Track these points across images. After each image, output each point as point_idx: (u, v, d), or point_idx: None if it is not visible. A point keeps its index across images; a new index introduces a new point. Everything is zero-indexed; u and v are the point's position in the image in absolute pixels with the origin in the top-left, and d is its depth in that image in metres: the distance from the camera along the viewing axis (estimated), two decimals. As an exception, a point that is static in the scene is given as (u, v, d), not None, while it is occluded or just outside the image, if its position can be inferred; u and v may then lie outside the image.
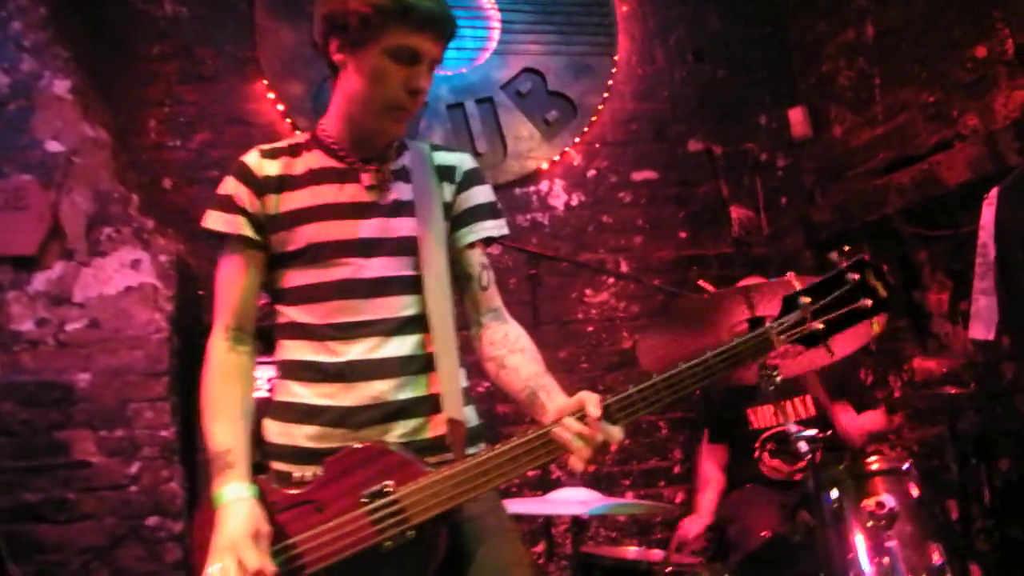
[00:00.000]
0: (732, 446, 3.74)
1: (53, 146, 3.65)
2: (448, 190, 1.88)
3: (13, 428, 3.48)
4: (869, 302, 1.59)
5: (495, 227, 1.92)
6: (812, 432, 2.42)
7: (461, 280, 1.88)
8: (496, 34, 4.61)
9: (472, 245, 1.89)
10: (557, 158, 4.60)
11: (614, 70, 4.73)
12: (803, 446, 2.32)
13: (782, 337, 1.60)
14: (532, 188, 4.59)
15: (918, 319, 4.15)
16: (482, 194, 1.92)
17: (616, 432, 1.56)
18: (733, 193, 4.76)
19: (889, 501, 2.61)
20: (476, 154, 4.46)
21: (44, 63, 3.70)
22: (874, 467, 2.79)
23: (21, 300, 3.55)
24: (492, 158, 4.50)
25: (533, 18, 4.65)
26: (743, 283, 3.88)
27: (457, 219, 1.89)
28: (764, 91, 4.96)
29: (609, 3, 4.76)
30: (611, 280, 4.56)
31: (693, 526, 3.54)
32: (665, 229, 4.70)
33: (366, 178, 1.82)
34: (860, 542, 2.64)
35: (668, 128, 4.80)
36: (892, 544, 2.57)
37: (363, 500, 1.63)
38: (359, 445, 1.68)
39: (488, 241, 1.93)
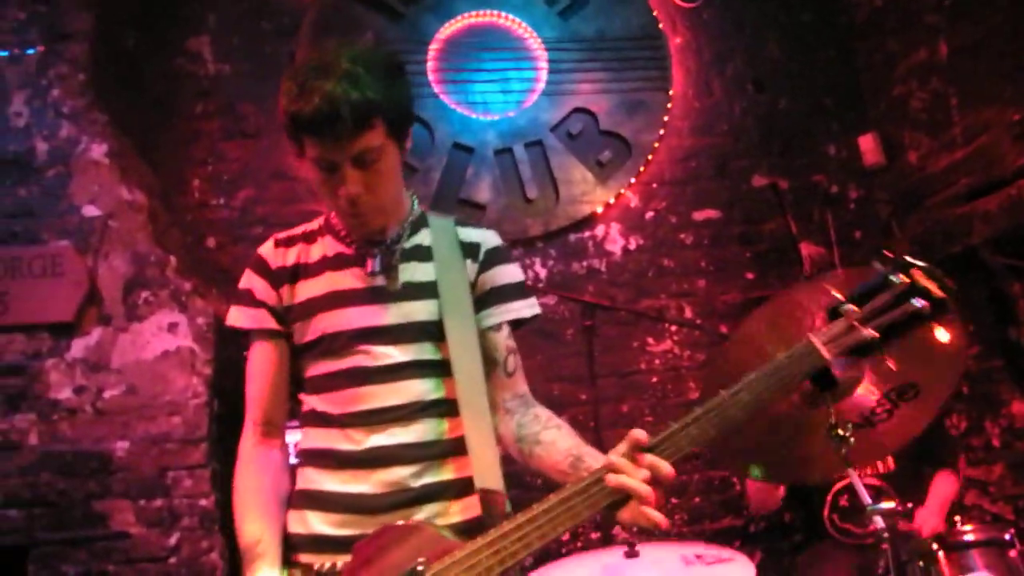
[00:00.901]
0: (799, 498, 3.42)
1: (90, 211, 3.61)
2: (472, 269, 1.81)
3: (51, 499, 3.40)
4: (926, 304, 1.44)
5: (521, 308, 1.84)
6: (890, 505, 2.12)
7: (485, 364, 1.78)
8: (544, 75, 4.44)
9: (497, 328, 1.82)
10: (612, 200, 4.38)
11: (669, 105, 4.50)
12: (879, 522, 2.03)
13: (830, 347, 1.48)
14: (587, 233, 4.37)
15: (1015, 358, 3.79)
16: (507, 274, 1.84)
17: (665, 465, 1.44)
18: (802, 229, 4.46)
19: (988, 578, 2.28)
20: (527, 200, 4.28)
21: (82, 128, 3.69)
22: (969, 537, 2.46)
23: (59, 367, 3.49)
24: (544, 204, 4.30)
25: (581, 56, 4.47)
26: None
27: (480, 300, 1.81)
28: (831, 119, 4.67)
29: (661, 36, 4.55)
30: (674, 328, 4.29)
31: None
32: (730, 271, 4.42)
33: (371, 263, 1.76)
34: (957, 623, 2.31)
35: (730, 163, 4.55)
36: (994, 625, 2.23)
37: None
38: (388, 526, 1.61)
39: (515, 324, 1.85)
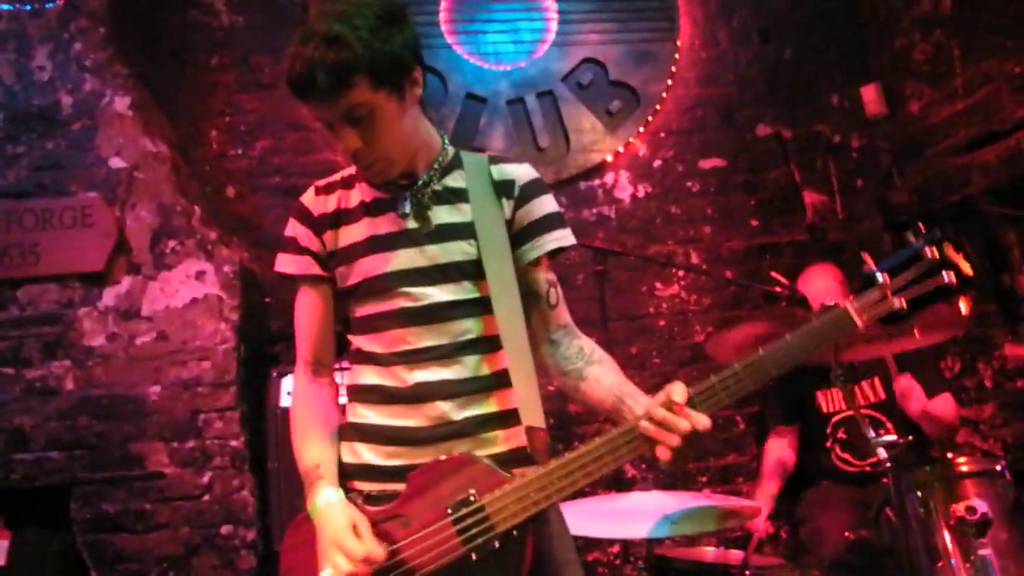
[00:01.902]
0: (802, 431, 3.60)
1: (116, 162, 3.70)
2: (508, 206, 1.84)
3: (89, 441, 3.54)
4: (953, 278, 1.53)
5: (559, 238, 1.86)
6: (891, 438, 2.28)
7: (527, 298, 1.84)
8: (554, 25, 4.51)
9: (537, 262, 1.85)
10: (621, 149, 4.49)
11: (677, 55, 4.59)
12: (882, 453, 2.19)
13: (864, 316, 1.57)
14: (597, 181, 4.48)
15: (1008, 303, 3.94)
16: (544, 205, 1.87)
17: (702, 418, 1.55)
18: (805, 177, 4.58)
19: (981, 506, 2.45)
20: (538, 149, 4.39)
21: (105, 81, 3.75)
22: (964, 468, 2.64)
23: (92, 316, 3.61)
24: (555, 152, 4.41)
25: (591, 7, 4.54)
26: (815, 268, 3.77)
27: (518, 235, 1.84)
28: (834, 69, 4.76)
29: (669, -13, 4.62)
30: (681, 273, 4.43)
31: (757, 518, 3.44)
32: (735, 218, 4.55)
33: (403, 207, 1.81)
34: (950, 550, 2.48)
35: (735, 113, 4.64)
36: (986, 552, 2.41)
37: (448, 511, 1.65)
38: (444, 457, 1.70)
39: (554, 253, 1.87)
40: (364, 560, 1.63)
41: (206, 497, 3.54)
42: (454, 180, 1.85)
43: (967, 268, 1.54)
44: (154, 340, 3.60)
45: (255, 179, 4.24)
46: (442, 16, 4.44)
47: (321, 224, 1.85)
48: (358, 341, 1.85)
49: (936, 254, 1.53)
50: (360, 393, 1.84)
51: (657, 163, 4.54)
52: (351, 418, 1.85)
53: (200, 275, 3.65)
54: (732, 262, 4.48)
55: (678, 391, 1.56)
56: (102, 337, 3.60)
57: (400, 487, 1.71)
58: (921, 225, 1.59)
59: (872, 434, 2.24)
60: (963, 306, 1.76)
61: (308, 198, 1.90)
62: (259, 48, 4.34)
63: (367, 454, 1.79)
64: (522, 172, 1.88)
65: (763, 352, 1.58)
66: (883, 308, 1.55)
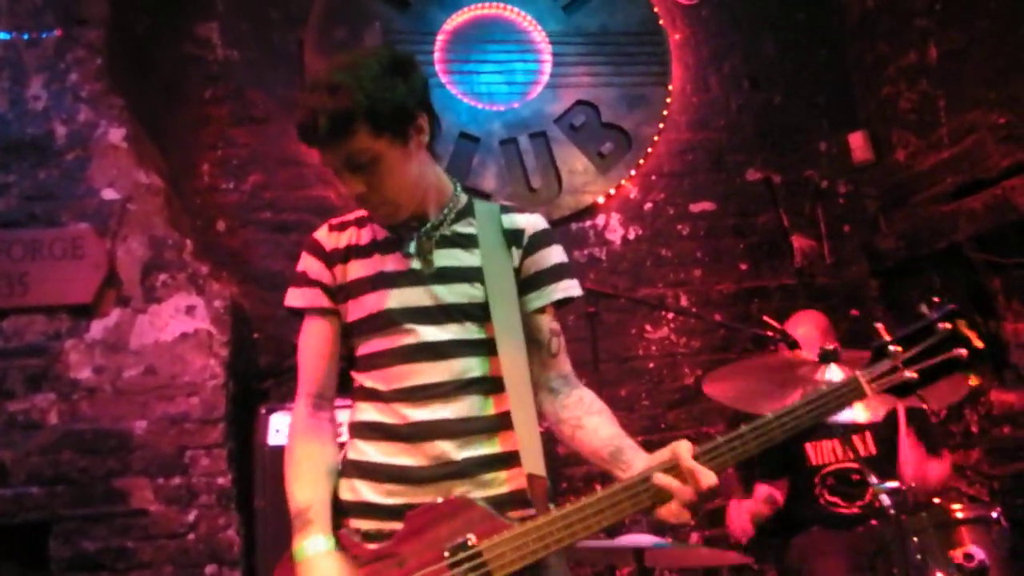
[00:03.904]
0: (791, 483, 3.60)
1: (109, 194, 3.67)
2: (517, 255, 1.87)
3: (72, 476, 3.47)
4: (964, 352, 1.58)
5: (565, 288, 1.89)
6: (894, 484, 2.29)
7: (529, 345, 1.86)
8: (548, 67, 4.56)
9: (541, 310, 1.88)
10: (613, 191, 4.52)
11: (668, 100, 4.64)
12: (885, 500, 2.19)
13: (873, 385, 1.61)
14: (588, 223, 4.51)
15: (993, 350, 3.97)
16: (552, 256, 1.90)
17: (709, 475, 1.55)
18: (794, 222, 4.63)
19: (978, 553, 2.47)
20: (530, 189, 4.42)
21: (100, 112, 3.74)
22: (960, 515, 2.65)
23: (79, 348, 3.55)
24: (547, 193, 4.44)
25: (585, 50, 4.59)
26: (801, 314, 3.80)
27: (525, 283, 1.87)
28: (823, 117, 4.84)
29: (661, 32, 4.69)
30: (671, 315, 4.45)
31: (739, 516, 3.45)
32: (725, 261, 4.58)
33: (408, 246, 1.84)
34: (949, 598, 2.48)
35: (725, 157, 4.70)
36: (983, 599, 2.41)
37: (445, 554, 1.63)
38: (441, 499, 1.69)
39: (560, 304, 1.90)
40: None
41: (191, 536, 3.47)
42: (465, 226, 1.89)
43: (979, 343, 1.58)
44: (142, 374, 3.55)
45: (246, 214, 4.23)
46: (436, 56, 4.48)
47: (332, 258, 1.88)
48: (361, 378, 1.86)
49: (949, 328, 1.58)
50: (361, 430, 1.84)
51: (648, 206, 4.58)
52: (351, 455, 1.85)
53: (190, 309, 3.61)
54: (722, 305, 4.50)
55: (684, 448, 1.58)
56: (88, 370, 3.54)
57: (398, 526, 1.70)
58: (935, 299, 1.64)
59: (875, 480, 2.25)
60: (972, 379, 1.80)
61: (321, 234, 1.93)
62: (253, 83, 4.35)
63: (366, 492, 1.79)
64: (532, 222, 1.91)
65: (771, 416, 1.61)
66: (895, 378, 1.60)
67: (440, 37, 4.51)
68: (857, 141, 4.70)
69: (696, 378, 4.29)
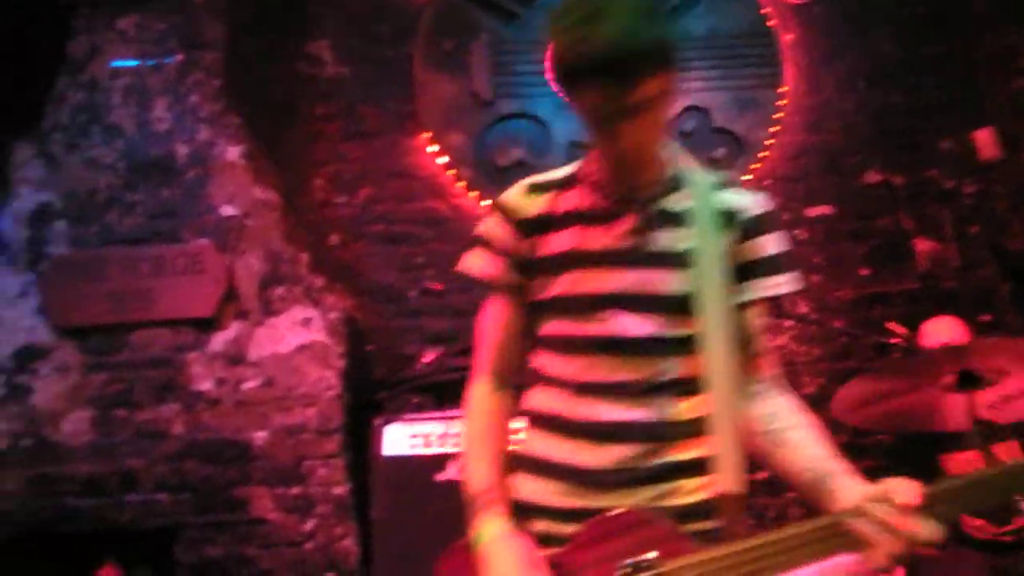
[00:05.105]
0: None
1: (227, 210, 3.78)
2: (731, 237, 1.63)
3: (195, 484, 3.58)
4: None
5: (780, 283, 1.64)
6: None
7: (733, 343, 1.65)
8: (655, 73, 4.48)
9: (749, 304, 1.64)
10: (725, 197, 4.41)
11: (781, 102, 4.51)
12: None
13: None
14: (700, 229, 4.41)
15: None
16: (768, 244, 1.64)
17: (933, 529, 1.37)
18: (917, 225, 4.43)
19: None
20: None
21: (218, 131, 3.87)
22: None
23: (201, 360, 3.67)
24: (656, 200, 4.36)
25: (694, 54, 4.50)
26: (939, 321, 3.61)
27: (737, 272, 1.63)
28: (944, 114, 4.62)
29: (772, 33, 4.56)
30: (789, 323, 4.31)
31: None
32: (844, 267, 4.42)
33: (627, 222, 1.62)
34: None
35: (842, 160, 4.53)
36: None
37: (622, 571, 1.49)
38: (622, 510, 1.54)
39: (772, 298, 1.68)
40: None
41: (309, 544, 3.53)
42: (678, 201, 1.64)
43: None
44: (260, 386, 3.64)
45: (358, 227, 4.30)
46: (546, 64, 4.45)
47: (524, 227, 1.67)
48: (543, 362, 1.69)
49: None
50: (537, 422, 1.69)
51: (762, 211, 4.44)
52: (526, 449, 1.69)
53: (306, 322, 3.68)
54: (842, 312, 4.34)
55: (908, 490, 1.38)
56: (210, 382, 3.65)
57: (571, 530, 1.56)
58: None
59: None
60: None
61: (515, 196, 1.70)
62: (364, 98, 4.42)
63: (539, 491, 1.64)
64: (751, 202, 1.66)
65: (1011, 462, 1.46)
66: None
67: (546, 45, 4.48)
68: (984, 138, 4.47)
69: (818, 387, 4.15)
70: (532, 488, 1.65)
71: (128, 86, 3.94)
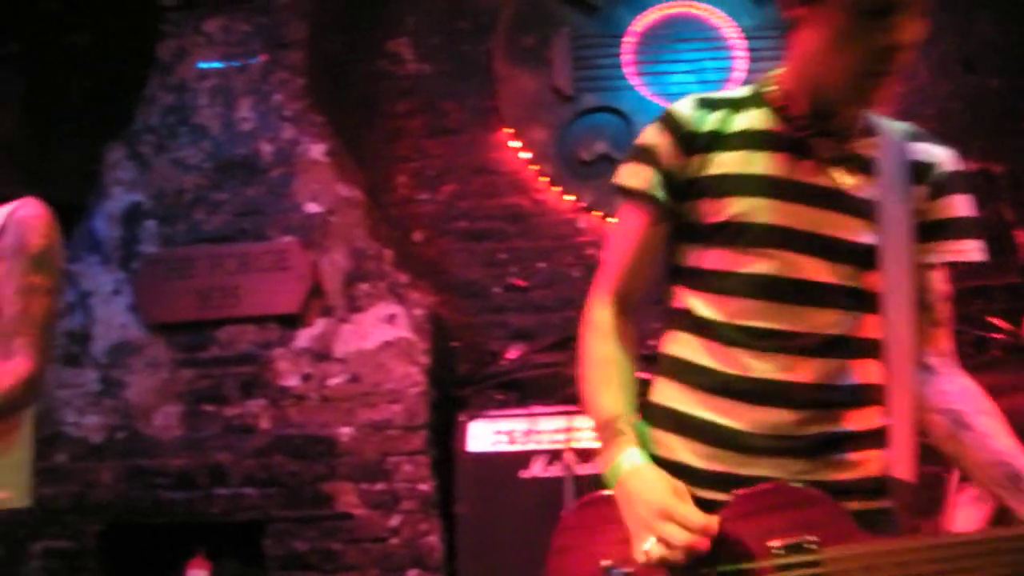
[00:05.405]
0: None
1: (312, 208, 3.81)
2: (920, 193, 1.48)
3: (283, 479, 3.62)
4: None
5: (970, 249, 1.48)
6: None
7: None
8: (740, 64, 4.38)
9: (934, 267, 1.49)
10: (818, 187, 4.28)
11: (873, 90, 4.36)
12: None
13: None
14: (788, 222, 4.30)
15: None
16: (960, 205, 1.50)
17: None
18: (1018, 215, 4.24)
19: None
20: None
21: (302, 130, 3.90)
22: None
23: (287, 356, 3.70)
24: (742, 193, 4.27)
25: (780, 43, 4.38)
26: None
27: (922, 231, 1.47)
28: (1049, 99, 4.42)
29: (863, 18, 4.41)
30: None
31: None
32: (940, 259, 4.25)
33: (817, 156, 1.47)
34: None
35: (937, 148, 4.36)
36: None
37: (774, 550, 1.31)
38: (778, 483, 1.36)
39: (958, 266, 1.52)
40: (702, 530, 1.31)
41: (394, 540, 3.54)
42: (866, 147, 1.50)
43: None
44: (346, 382, 3.66)
45: (442, 223, 4.29)
46: (625, 58, 4.40)
47: (691, 142, 1.49)
48: (690, 299, 1.50)
49: None
50: (677, 370, 1.50)
51: (852, 202, 4.31)
52: (661, 399, 1.52)
53: (391, 318, 3.69)
54: (940, 305, 4.18)
55: None
56: (296, 378, 3.69)
57: (715, 496, 1.39)
58: None
59: None
60: None
61: (685, 109, 1.51)
62: (445, 95, 4.42)
63: (680, 449, 1.46)
64: (946, 158, 1.53)
65: None
66: None
67: (628, 39, 4.43)
68: (1089, 124, 4.26)
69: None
70: (670, 445, 1.48)
71: (214, 87, 4.01)
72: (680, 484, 1.38)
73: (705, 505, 1.37)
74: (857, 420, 1.43)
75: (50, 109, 4.40)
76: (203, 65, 4.06)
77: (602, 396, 1.49)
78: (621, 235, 1.56)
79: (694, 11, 4.46)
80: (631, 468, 1.40)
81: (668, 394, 1.51)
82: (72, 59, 4.69)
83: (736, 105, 1.52)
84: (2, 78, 4.33)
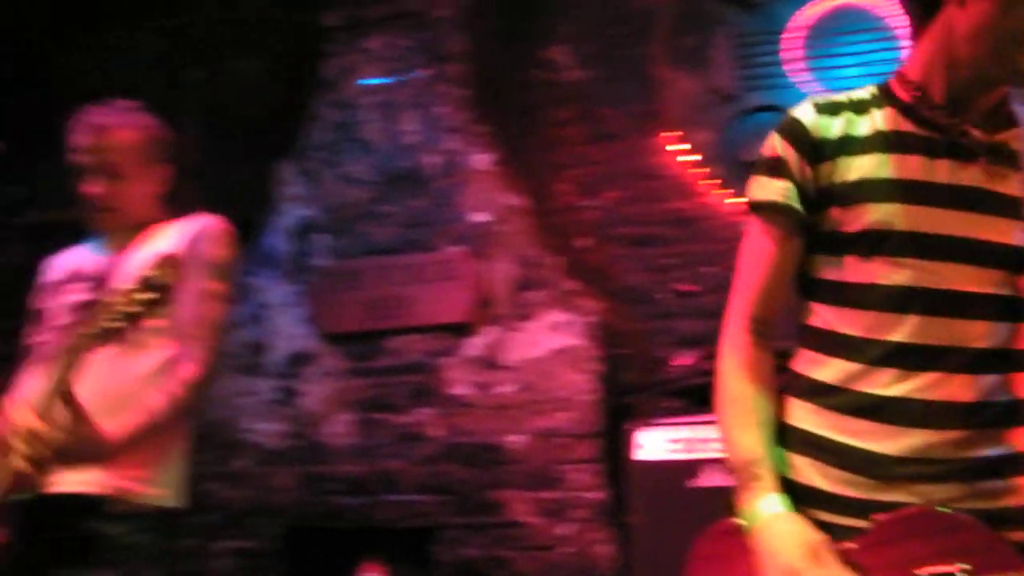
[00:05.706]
0: None
1: (478, 217, 3.85)
2: None
3: (454, 487, 3.65)
4: None
5: None
6: None
7: None
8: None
9: None
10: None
11: None
12: None
13: None
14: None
15: None
16: None
17: None
18: None
19: None
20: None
21: (467, 141, 3.94)
22: None
23: (456, 365, 3.74)
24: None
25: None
26: None
27: None
28: None
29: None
30: None
31: None
32: None
33: (959, 155, 1.36)
34: None
35: None
36: None
37: None
38: (927, 508, 1.29)
39: None
40: None
41: (564, 548, 3.51)
42: (1009, 138, 1.39)
43: None
44: (515, 390, 3.66)
45: (605, 230, 4.25)
46: (788, 55, 4.26)
47: (818, 150, 1.40)
48: (823, 313, 1.42)
49: None
50: (812, 391, 1.42)
51: None
52: (793, 421, 1.44)
53: (560, 326, 3.67)
54: None
55: None
56: (465, 386, 3.71)
57: (851, 523, 1.32)
58: None
59: None
60: None
61: (807, 115, 1.42)
62: (603, 100, 4.38)
63: (813, 475, 1.39)
64: None
65: None
66: None
67: (790, 34, 4.29)
68: None
69: None
70: (803, 470, 1.40)
71: (378, 102, 4.10)
72: (817, 538, 1.31)
73: (840, 532, 1.31)
74: (1015, 441, 1.34)
75: (225, 131, 4.60)
76: (367, 81, 4.16)
77: (739, 437, 1.43)
78: (755, 254, 1.47)
79: (858, 1, 4.28)
80: (768, 517, 1.34)
81: (802, 416, 1.43)
82: (243, 83, 4.89)
83: (859, 107, 1.43)
84: (184, 107, 4.56)
